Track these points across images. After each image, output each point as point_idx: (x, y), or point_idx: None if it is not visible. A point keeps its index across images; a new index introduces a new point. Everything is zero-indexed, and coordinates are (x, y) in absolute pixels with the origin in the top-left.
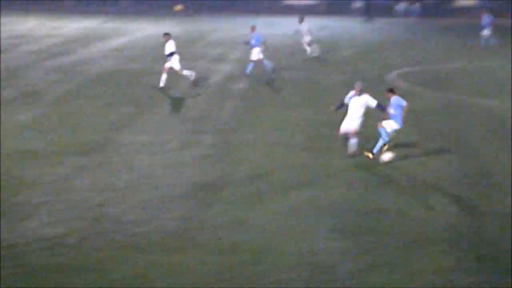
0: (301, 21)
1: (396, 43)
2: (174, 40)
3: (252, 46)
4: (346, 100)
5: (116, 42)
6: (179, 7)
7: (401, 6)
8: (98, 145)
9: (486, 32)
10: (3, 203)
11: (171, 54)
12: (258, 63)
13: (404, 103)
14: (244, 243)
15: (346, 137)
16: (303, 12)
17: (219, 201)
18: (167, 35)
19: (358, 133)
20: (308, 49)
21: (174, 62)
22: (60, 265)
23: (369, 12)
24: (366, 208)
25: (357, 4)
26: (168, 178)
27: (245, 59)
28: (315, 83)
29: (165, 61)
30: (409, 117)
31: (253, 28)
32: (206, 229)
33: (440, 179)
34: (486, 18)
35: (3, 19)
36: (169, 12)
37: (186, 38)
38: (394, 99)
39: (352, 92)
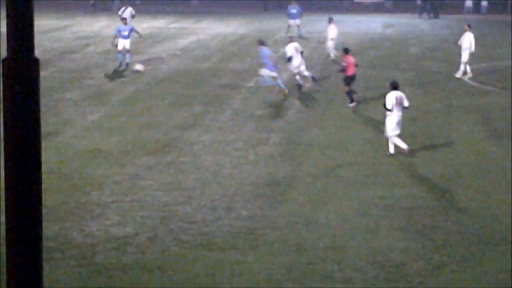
0: None
1: None
2: (243, 39)
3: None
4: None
5: (184, 41)
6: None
7: (469, 3)
8: (166, 145)
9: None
10: (72, 203)
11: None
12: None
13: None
14: (312, 241)
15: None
16: (371, 9)
17: (287, 200)
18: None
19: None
20: None
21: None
22: (128, 265)
23: (435, 9)
24: (433, 206)
25: (419, 1)
26: (236, 177)
27: (313, 58)
28: (383, 80)
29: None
30: (477, 114)
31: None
32: (274, 228)
33: (506, 176)
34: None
35: (73, 20)
36: (234, 11)
37: (253, 37)
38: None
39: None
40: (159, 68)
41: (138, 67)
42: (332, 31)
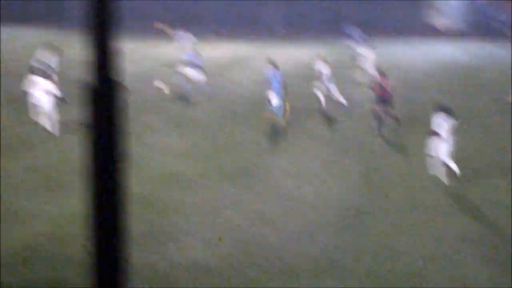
0: None
1: None
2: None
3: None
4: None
5: (263, 67)
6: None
7: None
8: (245, 171)
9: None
10: (149, 226)
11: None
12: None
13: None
14: (392, 269)
15: None
16: (444, 33)
17: (367, 228)
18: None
19: None
20: None
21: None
22: None
23: None
24: None
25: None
26: (315, 204)
27: (395, 84)
28: (463, 109)
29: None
30: None
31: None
32: (354, 255)
33: None
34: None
35: (149, 44)
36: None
37: (333, 63)
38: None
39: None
40: (237, 93)
41: (160, 84)
42: (366, 56)
